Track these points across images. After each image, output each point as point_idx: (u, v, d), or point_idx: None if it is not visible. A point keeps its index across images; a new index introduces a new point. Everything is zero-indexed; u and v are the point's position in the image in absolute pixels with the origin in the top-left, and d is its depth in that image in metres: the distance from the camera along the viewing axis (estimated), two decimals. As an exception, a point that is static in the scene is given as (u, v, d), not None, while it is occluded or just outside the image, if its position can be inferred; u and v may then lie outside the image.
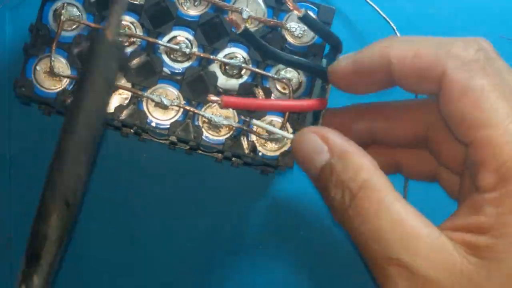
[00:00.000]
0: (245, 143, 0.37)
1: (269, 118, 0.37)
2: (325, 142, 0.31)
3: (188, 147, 0.40)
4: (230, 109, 0.37)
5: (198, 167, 0.43)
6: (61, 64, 0.37)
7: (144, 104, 0.37)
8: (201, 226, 0.43)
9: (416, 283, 0.27)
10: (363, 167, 0.29)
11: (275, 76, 0.37)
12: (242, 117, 0.37)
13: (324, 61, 0.38)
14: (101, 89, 0.29)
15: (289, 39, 0.38)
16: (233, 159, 0.40)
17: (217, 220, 0.43)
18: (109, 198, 0.42)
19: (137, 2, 0.38)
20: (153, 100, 0.37)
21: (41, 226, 0.28)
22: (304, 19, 0.35)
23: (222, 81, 0.37)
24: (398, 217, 0.28)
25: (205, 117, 0.37)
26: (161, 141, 0.42)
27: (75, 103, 0.30)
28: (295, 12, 0.34)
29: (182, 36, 0.38)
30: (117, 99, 0.37)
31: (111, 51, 0.29)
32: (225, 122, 0.37)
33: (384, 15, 0.44)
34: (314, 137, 0.31)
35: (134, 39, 0.37)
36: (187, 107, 0.37)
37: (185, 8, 0.38)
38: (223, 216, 0.44)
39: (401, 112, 0.35)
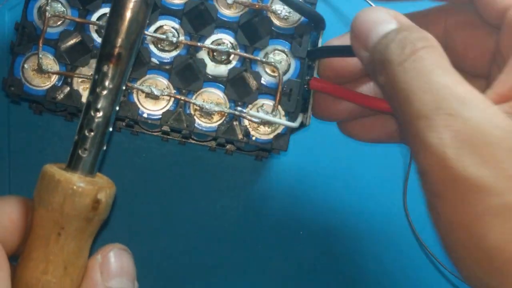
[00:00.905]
0: (238, 128, 0.37)
1: (260, 101, 0.37)
2: (392, 17, 0.31)
3: (181, 136, 0.40)
4: (221, 95, 0.37)
5: (192, 157, 0.43)
6: (49, 61, 0.37)
7: (134, 95, 0.37)
8: (197, 216, 0.43)
9: (463, 135, 0.26)
10: (429, 36, 0.29)
11: (264, 60, 0.37)
12: (238, 106, 0.37)
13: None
14: None
15: (275, 21, 0.38)
16: (227, 146, 0.40)
17: (213, 209, 0.43)
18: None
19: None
20: (143, 91, 0.37)
21: None
22: None
23: (211, 67, 0.37)
24: (457, 80, 0.27)
25: (196, 105, 0.37)
26: (154, 133, 0.41)
27: None
28: None
29: (168, 25, 0.38)
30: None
31: None
32: (216, 109, 0.37)
33: (370, 2, 0.44)
34: (382, 10, 0.31)
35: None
36: (178, 96, 0.37)
37: (170, -3, 0.38)
38: (218, 205, 0.44)
39: (420, 19, 0.35)
